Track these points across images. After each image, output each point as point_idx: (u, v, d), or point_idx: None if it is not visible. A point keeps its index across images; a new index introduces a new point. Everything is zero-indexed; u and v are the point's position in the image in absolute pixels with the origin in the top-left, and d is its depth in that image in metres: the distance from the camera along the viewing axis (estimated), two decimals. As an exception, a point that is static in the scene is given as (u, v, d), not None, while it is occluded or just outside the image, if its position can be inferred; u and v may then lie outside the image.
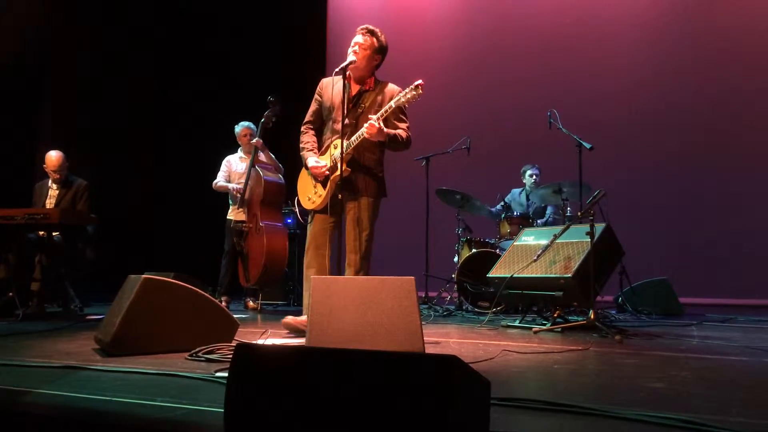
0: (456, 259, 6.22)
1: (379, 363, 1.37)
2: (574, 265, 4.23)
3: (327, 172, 3.82)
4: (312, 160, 3.92)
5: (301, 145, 4.05)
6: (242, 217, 5.99)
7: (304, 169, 4.10)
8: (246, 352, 1.53)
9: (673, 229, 7.02)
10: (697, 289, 6.54)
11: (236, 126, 6.28)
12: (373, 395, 1.33)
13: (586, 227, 4.13)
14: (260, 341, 3.42)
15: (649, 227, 6.97)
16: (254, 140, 5.90)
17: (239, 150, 6.31)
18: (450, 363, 1.27)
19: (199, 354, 2.79)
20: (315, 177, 3.94)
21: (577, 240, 4.37)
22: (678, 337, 4.03)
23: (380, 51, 3.91)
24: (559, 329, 4.14)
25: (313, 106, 4.09)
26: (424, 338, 2.86)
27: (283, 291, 6.91)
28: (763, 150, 6.84)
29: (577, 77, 7.71)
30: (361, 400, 1.33)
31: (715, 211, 6.93)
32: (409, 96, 3.63)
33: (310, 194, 3.97)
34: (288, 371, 1.46)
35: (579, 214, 4.45)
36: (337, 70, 3.78)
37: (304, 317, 3.78)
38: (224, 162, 6.31)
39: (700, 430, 1.64)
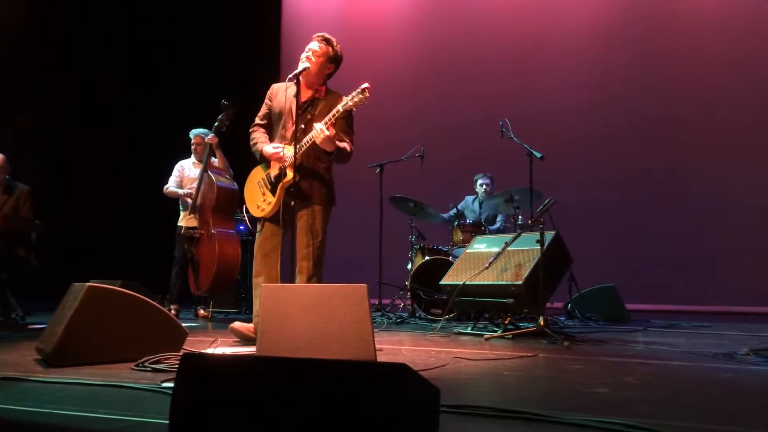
0: (409, 266, 6.24)
1: (328, 371, 1.36)
2: (525, 272, 4.29)
3: (286, 160, 3.74)
4: (269, 146, 3.84)
5: (253, 141, 3.99)
6: (193, 223, 5.89)
7: (251, 177, 4.05)
8: (193, 361, 1.50)
9: (621, 237, 7.20)
10: (643, 296, 6.71)
11: (190, 133, 6.19)
12: (322, 404, 1.31)
13: (537, 235, 4.20)
14: (209, 350, 3.36)
15: (598, 234, 7.12)
16: (208, 137, 5.81)
17: (192, 155, 6.21)
18: (399, 371, 1.27)
19: (146, 364, 2.73)
20: (267, 177, 3.89)
21: (528, 248, 4.43)
22: (624, 342, 4.12)
23: (334, 60, 3.91)
24: (510, 336, 4.19)
25: (263, 110, 4.06)
26: (377, 346, 2.85)
27: (234, 299, 6.81)
28: (709, 158, 7.07)
29: (530, 87, 7.86)
30: (309, 409, 1.32)
31: (660, 219, 7.13)
32: (356, 99, 3.62)
33: (259, 202, 3.93)
34: (235, 380, 1.43)
35: (529, 222, 4.53)
36: (290, 76, 3.74)
37: (251, 324, 3.74)
38: (177, 167, 6.19)
39: (643, 434, 1.68)
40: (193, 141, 6.13)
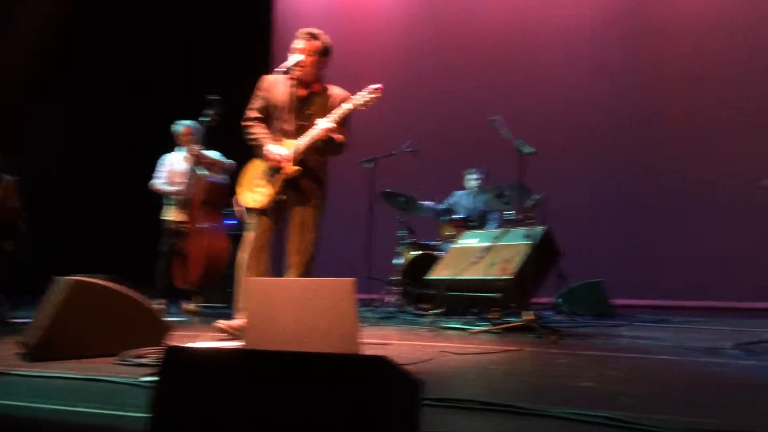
0: (398, 261, 6.23)
1: (310, 364, 1.35)
2: (512, 267, 4.29)
3: (284, 166, 3.71)
4: (275, 147, 3.78)
5: (255, 136, 3.90)
6: (181, 217, 5.82)
7: (249, 166, 3.99)
8: (177, 354, 1.49)
9: (612, 232, 7.20)
10: (634, 291, 6.71)
11: (176, 125, 6.09)
12: (303, 396, 1.31)
13: (526, 230, 4.20)
14: (193, 344, 3.34)
15: (588, 229, 7.13)
16: (192, 148, 5.69)
17: (182, 149, 6.13)
18: (378, 363, 1.26)
19: (128, 358, 2.71)
20: (270, 169, 3.85)
21: (517, 242, 4.44)
22: (610, 336, 4.13)
23: (324, 53, 3.88)
24: (497, 330, 4.19)
25: (258, 102, 3.96)
26: (364, 341, 2.85)
27: (222, 293, 6.77)
28: (696, 154, 7.09)
29: (522, 82, 7.85)
30: (291, 401, 1.31)
31: (650, 214, 7.15)
32: (366, 99, 3.64)
33: (254, 194, 3.88)
34: (217, 373, 1.42)
35: (519, 217, 4.53)
36: (281, 69, 3.72)
37: (236, 321, 3.70)
38: (164, 161, 6.11)
39: (628, 427, 1.68)
40: (181, 132, 6.02)
